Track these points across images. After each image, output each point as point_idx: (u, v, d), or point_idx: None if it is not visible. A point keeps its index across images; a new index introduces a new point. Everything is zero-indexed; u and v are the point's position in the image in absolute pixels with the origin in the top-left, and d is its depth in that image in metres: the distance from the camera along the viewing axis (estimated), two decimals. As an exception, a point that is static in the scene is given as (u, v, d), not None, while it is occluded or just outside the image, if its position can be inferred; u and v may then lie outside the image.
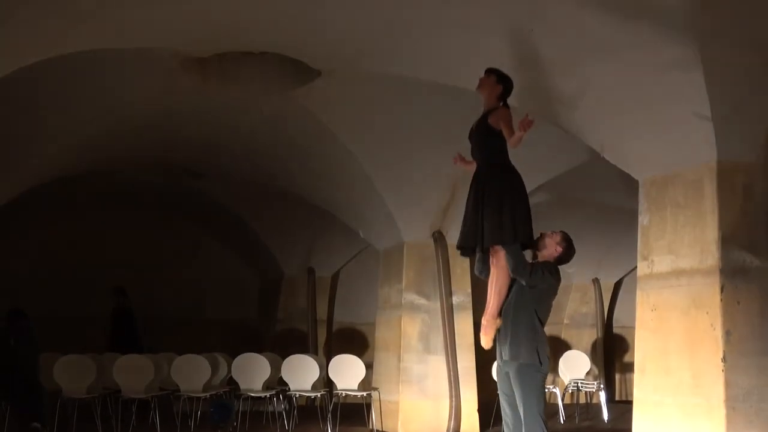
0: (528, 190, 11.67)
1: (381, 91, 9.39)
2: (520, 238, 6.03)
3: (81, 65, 8.13)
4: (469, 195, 6.30)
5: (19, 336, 10.80)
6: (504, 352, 6.12)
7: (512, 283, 6.15)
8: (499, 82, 6.33)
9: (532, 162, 10.98)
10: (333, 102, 9.70)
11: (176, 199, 15.46)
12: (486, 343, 6.15)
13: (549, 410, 11.10)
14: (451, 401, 11.21)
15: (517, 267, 6.03)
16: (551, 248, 6.23)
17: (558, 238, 6.26)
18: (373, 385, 11.88)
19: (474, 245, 6.17)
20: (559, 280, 6.22)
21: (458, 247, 6.43)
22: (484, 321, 6.16)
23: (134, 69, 8.66)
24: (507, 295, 6.13)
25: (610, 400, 13.08)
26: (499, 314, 6.09)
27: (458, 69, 7.85)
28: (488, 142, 6.19)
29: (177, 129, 10.75)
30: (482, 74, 6.47)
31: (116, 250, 16.15)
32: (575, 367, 13.42)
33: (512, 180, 6.16)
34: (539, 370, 6.06)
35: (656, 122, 6.99)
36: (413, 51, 7.92)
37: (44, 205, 14.02)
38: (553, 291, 6.24)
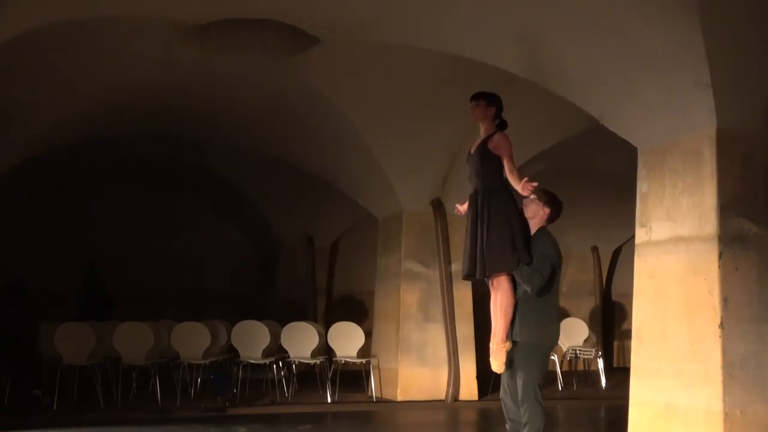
0: (527, 157, 11.80)
1: (380, 60, 9.36)
2: (524, 261, 5.97)
3: (77, 35, 8.11)
4: (467, 220, 6.23)
5: (18, 307, 10.85)
6: (513, 333, 6.11)
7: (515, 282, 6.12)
8: (489, 104, 6.26)
9: (531, 129, 11.03)
10: (332, 71, 9.66)
11: (175, 171, 15.45)
12: (498, 367, 6.02)
13: (547, 377, 11.19)
14: (449, 369, 11.28)
15: (532, 284, 5.97)
16: (538, 213, 6.16)
17: (543, 199, 6.18)
18: (373, 353, 11.94)
19: (477, 275, 6.10)
20: (559, 254, 6.16)
21: (464, 278, 6.36)
22: (493, 345, 6.04)
23: (131, 38, 8.63)
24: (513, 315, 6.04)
25: (608, 367, 13.14)
26: (508, 337, 6.01)
27: (458, 37, 7.82)
28: (486, 167, 6.11)
29: (175, 99, 10.71)
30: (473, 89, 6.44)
31: (114, 222, 16.17)
32: (573, 334, 13.48)
33: (508, 203, 6.05)
34: (544, 350, 6.10)
35: (656, 90, 6.97)
36: (413, 19, 7.88)
37: (42, 176, 14.02)
38: (558, 272, 6.16)
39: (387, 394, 11.51)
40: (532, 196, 6.10)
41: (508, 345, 5.98)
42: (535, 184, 5.82)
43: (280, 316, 13.09)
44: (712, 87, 6.49)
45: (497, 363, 6.02)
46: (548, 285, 6.02)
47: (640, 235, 7.42)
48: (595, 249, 16.63)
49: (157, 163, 14.82)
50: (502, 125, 6.27)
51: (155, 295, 15.64)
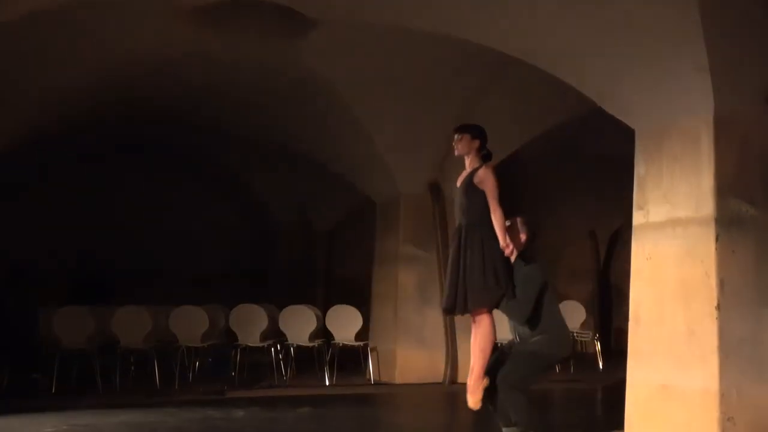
0: (523, 141, 11.78)
1: (377, 43, 9.34)
2: (508, 296, 5.99)
3: (74, 15, 8.07)
4: (450, 254, 6.24)
5: (16, 291, 10.88)
6: (522, 332, 6.16)
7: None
8: (474, 137, 6.22)
9: (529, 113, 11.04)
10: (329, 53, 9.65)
11: (172, 153, 15.44)
12: (474, 403, 6.01)
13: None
14: (447, 351, 11.32)
15: (518, 317, 6.05)
16: (520, 238, 6.18)
17: (519, 226, 6.21)
18: (371, 335, 11.97)
19: (457, 311, 6.12)
20: (545, 270, 6.19)
21: (443, 312, 6.38)
22: (470, 382, 6.04)
23: (129, 19, 8.60)
24: (493, 352, 6.06)
25: (605, 350, 13.18)
26: (486, 374, 6.03)
27: (455, 18, 7.79)
28: (471, 202, 6.10)
29: (171, 82, 10.70)
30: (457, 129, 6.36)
31: (111, 203, 16.17)
32: (571, 317, 13.40)
33: (493, 238, 6.00)
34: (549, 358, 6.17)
35: (654, 72, 6.96)
36: (409, 0, 7.86)
37: (40, 157, 14.00)
38: (548, 288, 6.18)
39: (385, 377, 11.55)
40: (508, 223, 6.11)
41: (486, 382, 6.00)
42: (513, 254, 5.90)
43: (278, 299, 13.12)
44: (710, 70, 6.49)
45: (474, 399, 6.02)
46: (544, 302, 6.06)
47: (638, 218, 7.42)
48: (592, 233, 16.65)
49: (153, 145, 14.81)
50: (487, 158, 6.24)
51: (153, 279, 15.68)
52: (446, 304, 6.16)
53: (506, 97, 10.56)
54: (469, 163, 6.25)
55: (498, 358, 6.16)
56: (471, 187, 6.11)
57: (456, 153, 6.30)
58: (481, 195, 6.07)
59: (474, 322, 6.11)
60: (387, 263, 12.12)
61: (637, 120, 7.50)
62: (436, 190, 11.49)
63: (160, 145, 14.87)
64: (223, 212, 17.58)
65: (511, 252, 5.95)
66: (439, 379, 11.24)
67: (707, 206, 6.64)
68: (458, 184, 6.28)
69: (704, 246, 6.64)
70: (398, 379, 11.39)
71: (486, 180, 6.07)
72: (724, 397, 6.41)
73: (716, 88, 6.57)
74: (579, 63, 7.50)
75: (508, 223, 6.11)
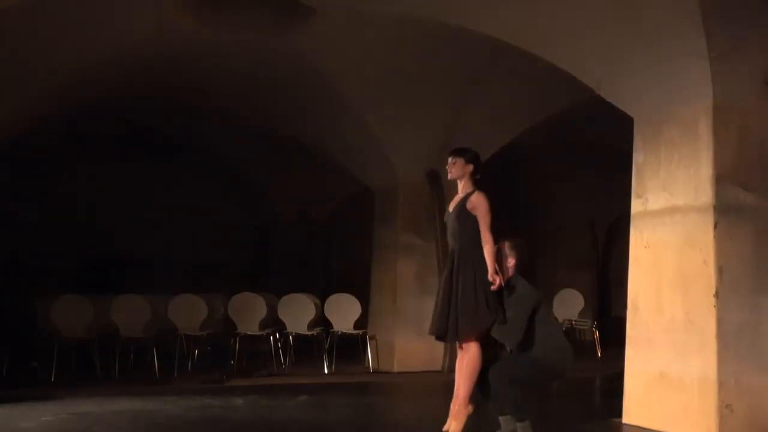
0: (522, 128, 11.75)
1: (375, 31, 9.33)
2: (499, 321, 5.97)
3: (70, 4, 8.05)
4: (442, 278, 6.24)
5: (14, 280, 10.88)
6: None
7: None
8: (468, 162, 6.21)
9: (527, 101, 11.02)
10: (327, 41, 9.63)
11: (170, 144, 15.42)
12: (456, 429, 6.01)
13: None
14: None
15: (510, 341, 6.05)
16: (506, 264, 6.14)
17: (506, 251, 6.15)
18: (369, 324, 11.98)
19: (448, 338, 6.15)
20: (537, 296, 6.13)
21: (434, 336, 6.29)
22: (453, 407, 6.04)
23: (125, 8, 8.57)
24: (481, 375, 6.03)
25: (604, 338, 13.19)
26: (469, 401, 6.04)
27: (454, 6, 7.78)
28: (464, 227, 6.09)
29: (169, 71, 10.67)
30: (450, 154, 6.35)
31: (109, 195, 16.16)
32: (569, 306, 13.51)
33: (484, 263, 5.99)
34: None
35: (652, 60, 6.96)
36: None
37: (35, 149, 13.99)
38: (541, 307, 6.13)
39: (384, 366, 11.56)
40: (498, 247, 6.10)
41: (470, 409, 6.03)
42: (497, 284, 5.89)
43: (276, 288, 13.12)
44: (708, 58, 6.48)
45: (456, 425, 6.02)
46: (536, 323, 6.04)
47: (636, 206, 7.43)
48: (591, 221, 16.65)
49: (152, 135, 14.79)
50: (480, 182, 6.23)
51: (152, 269, 15.68)
52: (437, 332, 6.14)
53: (504, 85, 10.54)
54: (462, 187, 6.24)
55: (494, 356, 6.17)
56: (464, 213, 6.10)
57: (449, 177, 6.31)
58: (474, 220, 6.07)
59: (461, 348, 6.10)
60: (386, 252, 12.12)
61: (636, 108, 7.50)
62: (434, 179, 11.47)
63: (158, 135, 14.85)
64: (222, 202, 17.57)
65: (499, 285, 5.92)
66: (438, 368, 11.24)
67: (706, 194, 6.65)
68: (450, 208, 6.26)
69: (703, 234, 6.65)
70: (397, 367, 11.40)
71: (479, 206, 6.06)
72: (722, 385, 6.44)
73: (715, 75, 6.57)
74: (578, 51, 7.49)
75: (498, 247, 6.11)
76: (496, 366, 6.02)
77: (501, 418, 6.10)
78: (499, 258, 6.09)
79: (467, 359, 6.03)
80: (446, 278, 6.14)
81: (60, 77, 9.70)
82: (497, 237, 6.13)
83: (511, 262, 6.15)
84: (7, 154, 11.87)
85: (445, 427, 6.06)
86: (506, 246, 6.18)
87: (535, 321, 6.02)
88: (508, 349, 6.29)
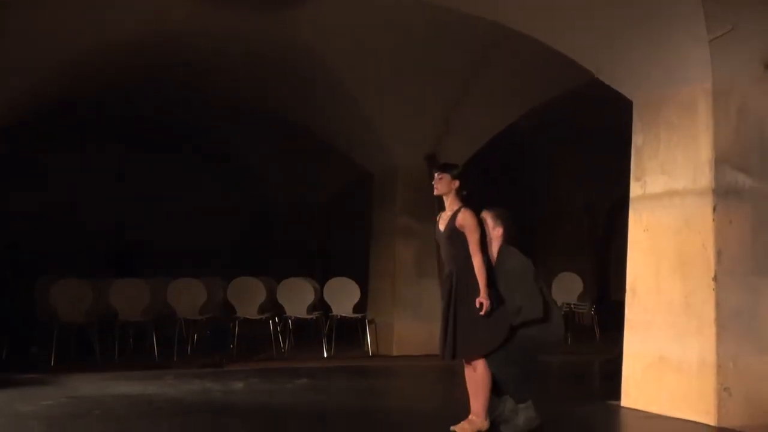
0: (522, 112, 11.70)
1: (374, 14, 9.31)
2: (497, 344, 5.96)
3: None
4: (442, 300, 6.24)
5: (13, 265, 10.88)
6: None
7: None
8: (454, 178, 6.13)
9: (525, 85, 10.99)
10: (325, 25, 9.60)
11: (166, 129, 15.40)
12: (462, 430, 6.01)
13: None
14: (444, 324, 11.32)
15: (531, 315, 6.03)
16: (494, 234, 6.15)
17: (490, 221, 6.15)
18: (368, 308, 11.99)
19: (446, 358, 6.15)
20: (529, 261, 6.15)
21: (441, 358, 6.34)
22: (471, 421, 6.01)
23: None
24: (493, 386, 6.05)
25: (602, 322, 13.20)
26: (486, 416, 6.02)
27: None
28: (457, 247, 6.04)
29: (167, 56, 10.62)
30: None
31: (108, 182, 16.14)
32: (568, 289, 13.53)
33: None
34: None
35: (652, 43, 6.93)
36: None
37: (32, 137, 13.98)
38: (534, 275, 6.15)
39: (383, 349, 11.58)
40: (483, 217, 6.10)
41: (487, 424, 6.01)
42: (484, 309, 5.84)
43: (276, 272, 13.13)
44: (707, 40, 6.46)
45: (468, 428, 6.00)
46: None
47: (635, 189, 7.43)
48: (590, 204, 16.65)
49: (150, 120, 14.76)
50: (467, 198, 6.17)
51: (152, 253, 15.68)
52: (441, 351, 6.19)
53: (504, 69, 10.51)
54: (448, 204, 6.17)
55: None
56: (455, 233, 6.03)
57: (435, 192, 6.23)
58: (465, 238, 6.02)
59: (467, 364, 6.11)
60: (384, 236, 12.12)
61: (635, 91, 7.48)
62: (433, 162, 11.45)
63: (155, 121, 14.82)
64: (221, 187, 17.55)
65: (485, 309, 5.86)
66: (436, 352, 11.22)
67: (704, 177, 6.64)
68: (441, 226, 6.20)
69: (701, 217, 6.64)
70: (396, 351, 11.42)
71: (466, 224, 5.99)
72: (720, 367, 6.45)
73: (714, 58, 6.55)
74: (576, 35, 7.47)
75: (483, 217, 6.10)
76: (495, 355, 6.02)
77: (499, 400, 6.13)
78: (486, 228, 6.08)
79: (476, 378, 6.04)
80: (445, 302, 6.12)
81: (57, 63, 9.66)
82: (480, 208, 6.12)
83: (498, 231, 6.16)
84: (7, 137, 11.84)
85: (454, 427, 6.07)
86: (491, 216, 6.17)
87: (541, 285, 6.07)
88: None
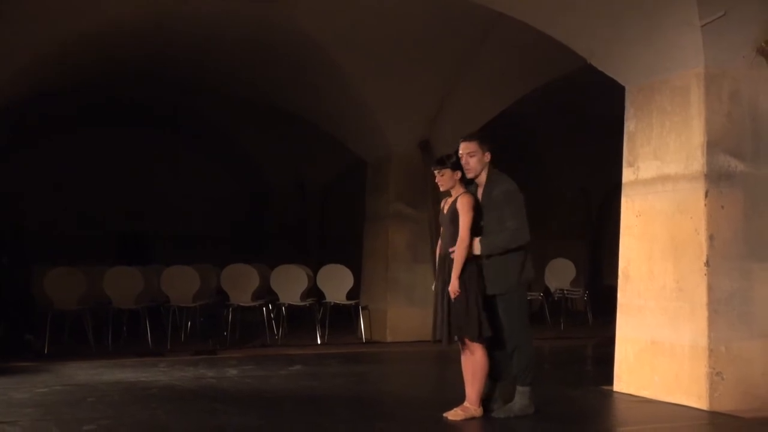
0: (515, 98, 11.70)
1: (368, 1, 9.28)
2: (486, 332, 6.00)
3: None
4: (438, 283, 6.30)
5: (10, 252, 10.86)
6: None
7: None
8: (455, 169, 6.18)
9: (519, 70, 10.98)
10: (320, 11, 9.57)
11: (164, 115, 15.37)
12: (455, 417, 6.04)
13: (535, 318, 11.28)
14: (438, 309, 11.34)
15: (518, 240, 6.08)
16: (485, 158, 6.18)
17: (479, 147, 6.16)
18: (362, 294, 12.01)
19: (444, 343, 6.19)
20: (514, 185, 6.20)
21: (434, 341, 6.40)
22: (464, 408, 6.07)
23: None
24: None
25: (595, 307, 13.25)
26: (480, 404, 6.08)
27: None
28: (457, 226, 6.09)
29: (162, 41, 10.60)
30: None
31: (104, 168, 16.13)
32: (561, 275, 13.58)
33: (475, 276, 6.05)
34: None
35: (644, 28, 6.92)
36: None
37: (29, 118, 13.93)
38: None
39: (376, 335, 11.61)
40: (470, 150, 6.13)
41: (480, 411, 6.07)
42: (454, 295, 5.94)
43: (270, 259, 13.13)
44: (700, 25, 6.46)
45: (461, 414, 6.06)
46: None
47: (628, 175, 7.44)
48: (584, 190, 16.67)
49: (145, 106, 14.73)
50: (467, 181, 6.23)
51: (146, 239, 15.69)
52: (438, 336, 6.23)
53: (498, 54, 10.50)
54: (454, 192, 6.26)
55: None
56: (456, 216, 6.11)
57: (441, 189, 6.32)
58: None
59: (463, 351, 6.16)
60: (378, 222, 12.13)
61: (627, 76, 7.48)
62: (426, 149, 11.46)
63: (152, 108, 14.79)
64: (217, 173, 17.55)
65: (456, 292, 5.96)
66: (430, 338, 11.27)
67: (697, 162, 6.65)
68: (444, 211, 6.29)
69: (694, 202, 6.66)
70: (389, 337, 11.45)
71: (462, 207, 6.08)
72: (712, 352, 6.48)
73: (706, 43, 6.55)
74: (569, 20, 7.45)
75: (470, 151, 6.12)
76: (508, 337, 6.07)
77: (498, 384, 6.16)
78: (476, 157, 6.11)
79: (472, 363, 6.09)
80: (443, 282, 6.19)
81: (49, 47, 9.61)
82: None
83: (488, 156, 6.19)
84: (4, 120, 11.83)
85: (447, 413, 6.11)
86: (475, 143, 6.17)
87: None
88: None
